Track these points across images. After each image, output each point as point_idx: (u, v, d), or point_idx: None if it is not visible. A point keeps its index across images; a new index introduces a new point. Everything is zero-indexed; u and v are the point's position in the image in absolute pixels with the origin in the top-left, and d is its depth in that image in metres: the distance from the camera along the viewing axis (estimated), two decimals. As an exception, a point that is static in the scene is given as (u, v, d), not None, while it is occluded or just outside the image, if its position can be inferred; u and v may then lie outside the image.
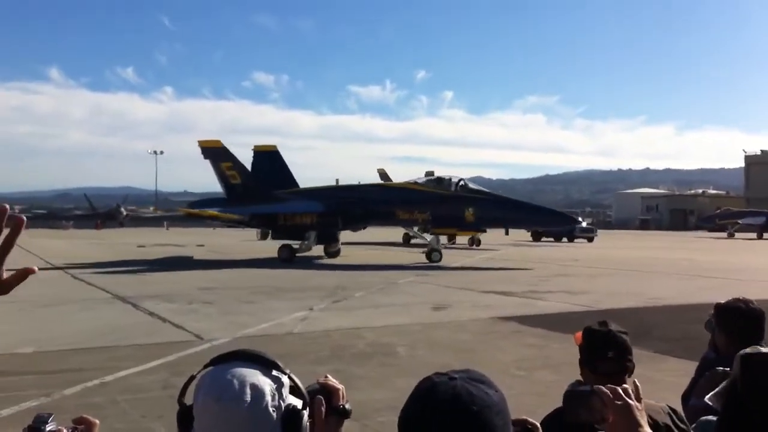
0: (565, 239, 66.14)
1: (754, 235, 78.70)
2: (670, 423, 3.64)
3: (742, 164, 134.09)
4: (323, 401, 2.24)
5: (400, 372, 10.84)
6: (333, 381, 2.34)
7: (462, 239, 56.17)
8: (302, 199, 40.58)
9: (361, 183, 44.63)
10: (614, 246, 55.31)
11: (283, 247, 38.31)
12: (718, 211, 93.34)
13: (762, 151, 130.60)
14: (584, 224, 69.14)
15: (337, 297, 20.86)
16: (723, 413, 2.78)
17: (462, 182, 37.87)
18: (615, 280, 26.94)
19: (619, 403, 2.20)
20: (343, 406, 2.29)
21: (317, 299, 20.13)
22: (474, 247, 52.08)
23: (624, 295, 21.24)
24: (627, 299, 20.28)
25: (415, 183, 39.34)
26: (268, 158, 42.73)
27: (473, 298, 21.08)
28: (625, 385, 2.25)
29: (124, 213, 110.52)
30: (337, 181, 53.63)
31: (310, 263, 35.99)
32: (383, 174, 74.47)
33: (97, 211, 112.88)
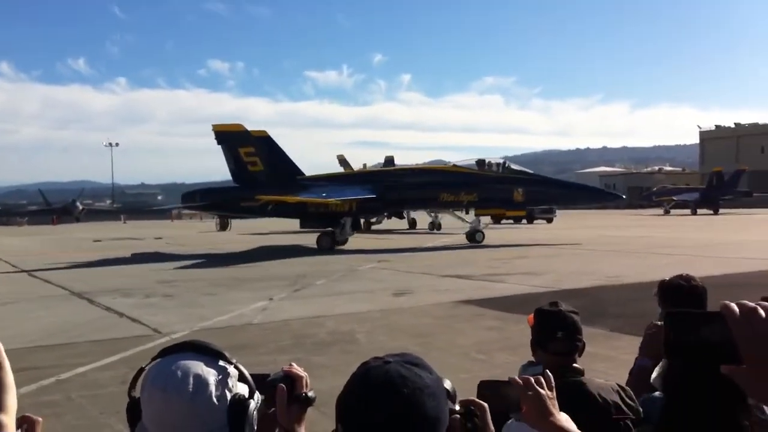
0: (524, 220, 66.64)
1: (688, 211, 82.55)
2: (618, 400, 3.71)
3: (697, 140, 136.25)
4: (285, 389, 2.26)
5: (361, 358, 10.56)
6: (297, 369, 2.36)
7: (422, 224, 56.52)
8: (332, 185, 38.98)
9: (399, 167, 44.07)
10: (574, 226, 55.88)
11: (323, 236, 36.60)
12: (655, 189, 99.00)
13: (716, 126, 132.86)
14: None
15: (298, 286, 20.80)
16: (665, 390, 2.85)
17: (506, 163, 38.93)
18: (573, 260, 27.24)
19: (530, 393, 2.26)
20: (306, 394, 2.31)
21: (278, 289, 20.06)
22: (435, 231, 52.31)
23: (582, 275, 21.51)
24: (585, 279, 20.55)
25: (455, 165, 39.81)
26: (265, 144, 40.01)
27: (433, 282, 21.18)
28: (538, 375, 2.31)
29: (80, 207, 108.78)
30: (364, 165, 53.48)
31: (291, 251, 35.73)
32: (342, 160, 74.20)
33: (53, 206, 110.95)
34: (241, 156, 39.00)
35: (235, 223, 65.99)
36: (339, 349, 11.95)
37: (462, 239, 38.13)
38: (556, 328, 3.83)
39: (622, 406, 3.71)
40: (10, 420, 1.82)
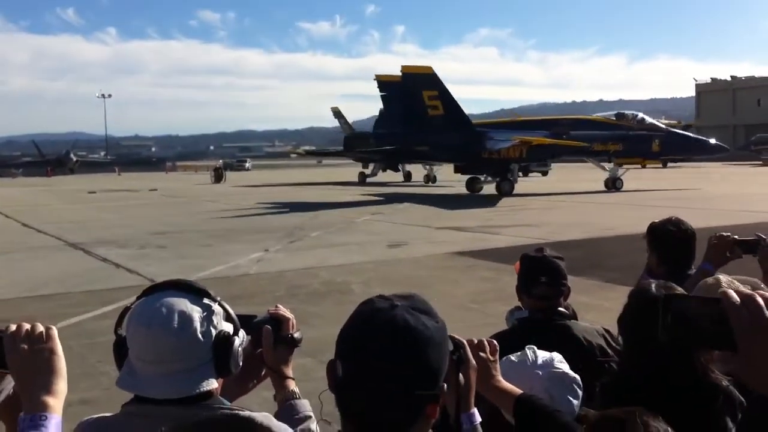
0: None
1: None
2: (603, 343, 3.79)
3: (693, 93, 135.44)
4: (271, 330, 2.28)
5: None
6: (283, 311, 2.39)
7: (417, 176, 56.42)
8: (508, 131, 39.95)
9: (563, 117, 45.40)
10: (568, 179, 55.83)
11: (504, 182, 37.88)
12: (753, 138, 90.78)
13: (712, 79, 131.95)
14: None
15: (294, 238, 20.83)
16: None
17: (642, 118, 41.66)
18: (569, 212, 27.28)
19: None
20: (292, 335, 2.34)
21: (274, 241, 20.09)
22: (430, 184, 52.28)
23: (577, 227, 21.57)
24: (580, 231, 20.59)
25: (605, 118, 41.90)
26: (398, 89, 40.64)
27: (429, 234, 21.23)
28: (481, 339, 2.38)
29: (74, 159, 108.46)
30: (516, 114, 54.22)
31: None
32: (337, 112, 73.88)
33: (47, 157, 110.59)
34: (424, 99, 38.84)
35: (230, 176, 65.82)
36: (333, 300, 12.02)
37: (458, 190, 38.12)
38: (539, 273, 3.88)
39: (607, 348, 3.77)
40: (58, 404, 1.85)
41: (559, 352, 3.11)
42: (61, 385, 1.88)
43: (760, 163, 77.15)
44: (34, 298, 12.73)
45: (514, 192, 37.62)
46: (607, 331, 3.86)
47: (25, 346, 1.87)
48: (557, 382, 2.88)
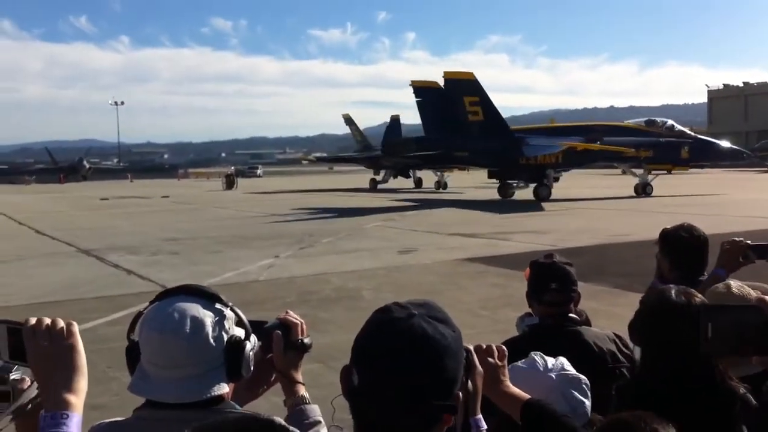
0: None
1: None
2: (614, 349, 3.78)
3: (705, 99, 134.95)
4: (281, 336, 2.30)
5: (366, 315, 10.65)
6: (293, 316, 2.39)
7: (428, 183, 56.40)
8: (546, 137, 41.11)
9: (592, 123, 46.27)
10: (579, 185, 55.65)
11: (541, 187, 38.64)
12: (757, 145, 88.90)
13: (724, 85, 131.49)
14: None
15: (304, 244, 20.86)
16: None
17: (671, 124, 42.90)
18: (579, 218, 27.22)
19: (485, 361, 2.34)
20: (302, 340, 2.35)
21: (284, 247, 20.13)
22: (441, 190, 52.25)
23: (588, 233, 21.51)
24: (590, 237, 20.56)
25: (637, 125, 43.08)
26: (433, 95, 41.90)
27: (439, 240, 21.23)
28: (489, 345, 2.38)
29: (87, 166, 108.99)
30: (552, 120, 54.70)
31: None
32: (348, 119, 74.01)
33: (60, 164, 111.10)
34: (465, 105, 39.57)
35: (241, 183, 65.97)
36: (344, 306, 12.03)
37: (467, 196, 38.06)
38: (550, 280, 3.87)
39: (618, 354, 3.76)
40: (78, 401, 1.84)
41: (570, 358, 3.11)
42: (82, 383, 1.87)
43: (765, 169, 75.76)
44: (46, 304, 12.79)
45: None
46: (618, 337, 3.85)
47: (46, 341, 1.85)
48: (570, 385, 2.91)
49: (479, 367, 2.02)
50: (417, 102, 42.36)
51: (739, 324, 1.45)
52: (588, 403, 2.90)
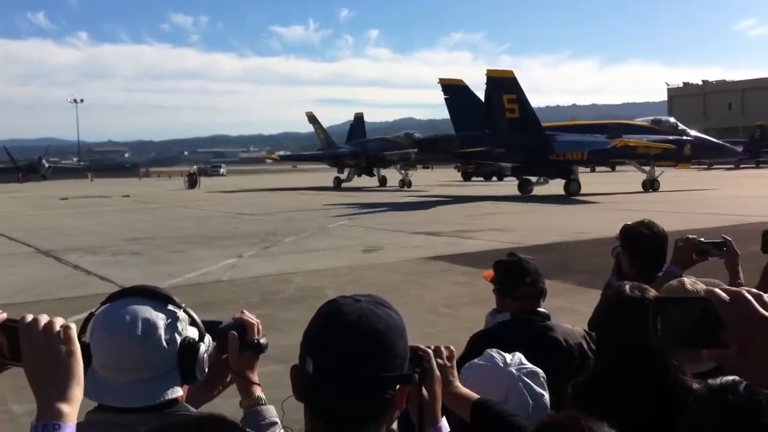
0: (494, 178, 66.70)
1: (730, 165, 78.39)
2: (584, 345, 3.85)
3: (665, 97, 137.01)
4: (237, 336, 2.27)
5: None
6: (248, 316, 2.36)
7: (393, 181, 56.47)
8: (568, 134, 42.69)
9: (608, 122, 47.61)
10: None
11: (572, 182, 39.87)
12: None
13: (684, 83, 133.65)
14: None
15: (268, 243, 20.75)
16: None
17: (675, 123, 45.30)
18: (542, 216, 27.46)
19: (426, 364, 2.32)
20: (258, 341, 2.32)
21: (247, 246, 20.01)
22: (405, 188, 52.33)
23: (551, 231, 21.66)
24: (554, 234, 20.70)
25: (648, 123, 45.10)
26: (460, 93, 44.03)
27: (403, 239, 21.24)
28: (438, 346, 2.34)
29: (47, 165, 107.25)
30: (573, 119, 57.09)
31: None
32: (311, 117, 73.82)
33: (18, 164, 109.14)
34: (503, 103, 40.78)
35: (204, 182, 65.46)
36: (307, 305, 11.94)
37: (431, 194, 38.10)
38: (522, 274, 3.98)
39: (588, 351, 3.81)
40: (73, 412, 1.72)
41: (540, 352, 3.20)
42: (77, 392, 1.75)
43: (707, 166, 77.99)
44: (3, 306, 12.52)
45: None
46: (589, 334, 3.91)
47: (42, 343, 1.72)
48: (530, 378, 2.94)
49: (437, 372, 2.01)
50: (445, 99, 44.21)
51: (689, 316, 1.47)
52: (547, 395, 2.94)
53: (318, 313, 1.79)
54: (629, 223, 4.80)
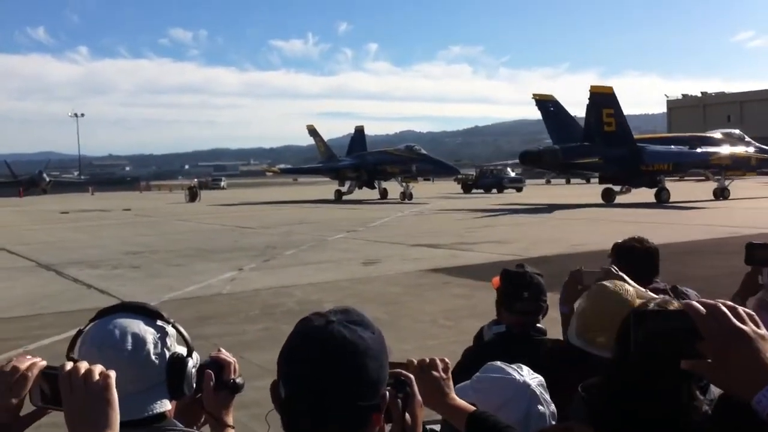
0: (494, 190, 66.91)
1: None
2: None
3: (665, 109, 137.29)
4: (212, 375, 2.24)
5: None
6: (225, 355, 2.32)
7: (393, 194, 56.49)
8: (662, 145, 45.98)
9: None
10: (539, 195, 56.20)
11: (663, 190, 42.58)
12: None
13: (683, 95, 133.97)
14: (513, 174, 70.63)
15: (267, 256, 20.76)
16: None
17: (743, 135, 48.91)
18: (541, 228, 27.48)
19: (424, 375, 2.32)
20: (234, 380, 2.29)
21: (247, 259, 20.01)
22: (406, 201, 52.35)
23: (549, 243, 21.66)
24: (552, 247, 20.68)
25: (723, 135, 48.68)
26: (553, 107, 48.09)
27: (402, 251, 21.24)
28: (433, 358, 2.36)
29: (47, 179, 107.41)
30: (640, 132, 60.81)
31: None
32: (312, 130, 73.95)
33: (19, 178, 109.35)
34: (602, 116, 43.81)
35: (205, 195, 65.51)
36: (308, 318, 11.97)
37: (431, 207, 38.03)
38: (522, 288, 3.91)
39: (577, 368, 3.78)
40: None
41: (533, 367, 3.16)
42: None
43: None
44: (2, 320, 12.57)
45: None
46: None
47: (82, 392, 1.72)
48: (543, 388, 2.93)
49: (419, 397, 2.00)
50: (541, 113, 47.92)
51: (668, 328, 1.52)
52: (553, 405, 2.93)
53: (292, 332, 1.79)
54: (619, 241, 4.85)
